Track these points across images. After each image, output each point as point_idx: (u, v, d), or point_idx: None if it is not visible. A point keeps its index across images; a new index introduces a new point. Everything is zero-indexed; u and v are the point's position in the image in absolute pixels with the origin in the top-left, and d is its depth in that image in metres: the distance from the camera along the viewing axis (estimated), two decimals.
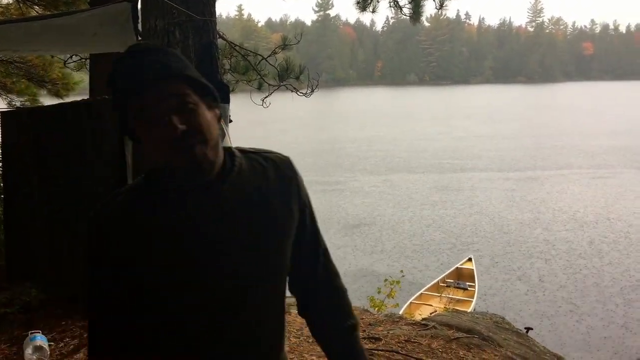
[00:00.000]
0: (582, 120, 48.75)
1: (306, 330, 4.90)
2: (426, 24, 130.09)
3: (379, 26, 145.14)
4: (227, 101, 2.55)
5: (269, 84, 6.26)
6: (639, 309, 11.91)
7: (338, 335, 1.46)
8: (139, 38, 3.01)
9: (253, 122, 42.82)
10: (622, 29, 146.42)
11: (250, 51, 6.11)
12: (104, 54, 4.40)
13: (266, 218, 1.27)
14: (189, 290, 1.20)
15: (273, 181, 1.31)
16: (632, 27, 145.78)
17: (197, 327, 1.22)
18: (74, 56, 7.15)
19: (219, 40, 5.49)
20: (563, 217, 19.05)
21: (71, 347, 4.50)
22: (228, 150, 1.31)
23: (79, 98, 5.28)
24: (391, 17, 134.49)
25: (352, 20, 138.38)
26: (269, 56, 6.13)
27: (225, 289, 1.22)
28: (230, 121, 2.58)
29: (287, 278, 1.41)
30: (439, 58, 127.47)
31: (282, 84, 6.14)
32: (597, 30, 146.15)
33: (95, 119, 2.81)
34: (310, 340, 4.63)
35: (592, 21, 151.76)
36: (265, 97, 6.10)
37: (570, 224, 18.17)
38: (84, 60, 7.16)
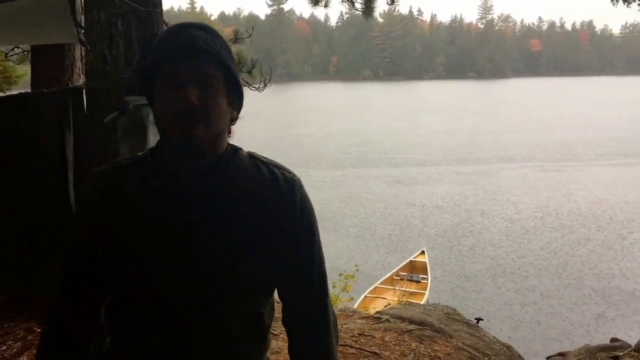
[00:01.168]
0: (529, 116, 50.19)
1: None
2: (379, 19, 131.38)
3: (333, 21, 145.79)
4: None
5: None
6: (586, 299, 12.37)
7: None
8: (81, 30, 2.91)
9: None
10: (568, 26, 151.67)
11: None
12: (46, 46, 4.23)
13: (246, 221, 1.25)
14: (157, 266, 1.21)
15: (270, 193, 1.29)
16: (578, 25, 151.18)
17: (159, 303, 1.23)
18: (16, 48, 6.86)
19: None
20: (514, 209, 19.59)
21: (14, 350, 4.33)
22: (235, 148, 1.32)
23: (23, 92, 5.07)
24: (345, 13, 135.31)
25: (306, 15, 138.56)
26: None
27: (192, 274, 1.22)
28: None
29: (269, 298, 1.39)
30: (392, 54, 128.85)
31: None
32: (545, 27, 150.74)
33: (32, 113, 2.70)
34: None
35: (540, 19, 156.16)
36: None
37: (521, 216, 18.69)
38: (26, 52, 6.87)
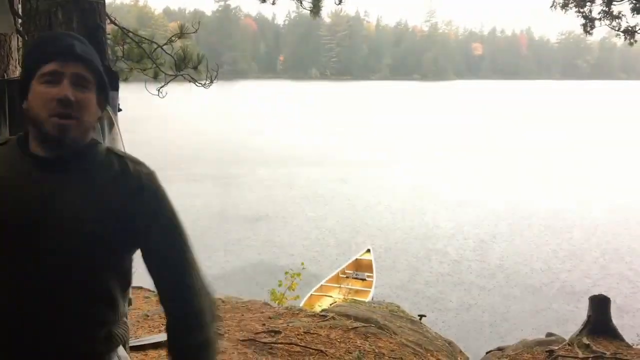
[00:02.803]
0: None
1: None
2: (327, 19, 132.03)
3: (280, 20, 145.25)
4: (116, 88, 2.42)
5: (166, 74, 6.03)
6: (524, 296, 12.83)
7: (185, 353, 1.47)
8: (18, 19, 2.78)
9: (150, 116, 41.36)
10: (509, 32, 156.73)
11: (145, 38, 5.85)
12: None
13: (98, 212, 1.34)
14: (9, 249, 1.30)
15: (119, 184, 1.39)
16: (517, 31, 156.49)
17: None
18: None
19: (112, 26, 5.20)
20: (453, 207, 20.08)
21: None
22: (96, 142, 1.43)
23: None
24: (292, 12, 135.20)
25: (253, 13, 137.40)
26: (164, 44, 5.89)
27: (36, 257, 1.30)
28: (120, 110, 2.45)
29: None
30: (339, 54, 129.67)
31: (179, 73, 5.93)
32: (486, 32, 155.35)
33: None
34: None
35: (482, 24, 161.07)
36: (162, 87, 5.88)
37: (460, 213, 19.18)
38: None
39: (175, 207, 1.48)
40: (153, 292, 6.41)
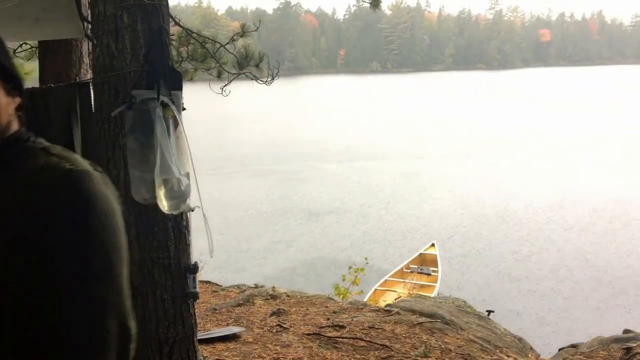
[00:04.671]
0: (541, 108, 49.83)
1: (270, 321, 4.87)
2: (387, 12, 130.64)
3: (340, 14, 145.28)
4: (180, 88, 2.48)
5: (229, 72, 6.14)
6: (595, 292, 12.29)
7: None
8: (87, 24, 2.90)
9: (213, 113, 42.35)
10: (578, 16, 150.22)
11: (208, 38, 5.98)
12: (54, 41, 4.23)
13: (10, 218, 1.13)
14: None
15: (37, 187, 1.15)
16: (587, 15, 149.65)
17: None
18: (24, 44, 6.87)
19: (176, 28, 5.34)
20: (523, 201, 19.47)
21: None
22: (24, 138, 1.24)
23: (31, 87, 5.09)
24: (352, 5, 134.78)
25: (313, 9, 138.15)
26: (227, 43, 6.00)
27: None
28: (184, 109, 2.51)
29: None
30: (400, 46, 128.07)
31: (241, 72, 6.02)
32: (554, 17, 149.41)
33: (40, 108, 2.70)
34: (274, 331, 4.60)
35: (549, 9, 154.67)
36: (225, 86, 5.99)
37: (530, 209, 18.58)
38: (34, 49, 6.86)
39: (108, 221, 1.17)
40: (220, 286, 6.57)
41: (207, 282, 6.72)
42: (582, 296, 11.95)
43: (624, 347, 5.42)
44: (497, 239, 15.63)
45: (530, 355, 5.47)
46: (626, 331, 6.53)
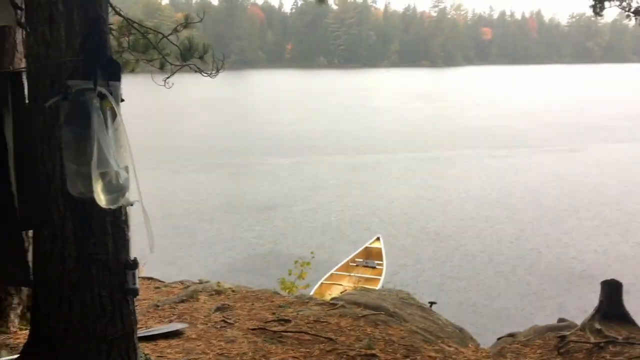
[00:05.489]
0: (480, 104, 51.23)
1: (214, 316, 4.82)
2: (334, 6, 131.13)
3: (287, 8, 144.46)
4: (118, 79, 2.40)
5: (172, 64, 6.00)
6: (534, 282, 12.77)
7: None
8: (20, 11, 2.77)
9: (155, 106, 41.47)
10: (518, 15, 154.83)
11: (151, 29, 5.83)
12: None
13: None
14: None
15: None
16: (527, 14, 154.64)
17: None
18: None
19: (117, 17, 5.17)
20: (464, 195, 20.00)
21: None
22: None
23: None
24: None
25: (259, 2, 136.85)
26: (170, 34, 5.86)
27: None
28: (122, 100, 2.44)
29: None
30: (347, 41, 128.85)
31: (185, 63, 5.91)
32: (495, 16, 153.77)
33: None
34: (218, 326, 4.56)
35: (491, 7, 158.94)
36: (168, 78, 5.87)
37: (470, 202, 19.10)
38: None
39: None
40: (163, 282, 6.45)
41: (150, 278, 6.58)
42: (521, 286, 12.40)
43: (558, 335, 5.65)
44: (441, 232, 16.00)
45: (470, 345, 5.62)
46: (560, 320, 6.82)
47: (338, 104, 52.05)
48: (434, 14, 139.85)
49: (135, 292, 2.67)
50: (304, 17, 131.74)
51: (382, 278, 11.48)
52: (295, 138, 32.79)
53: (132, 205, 2.47)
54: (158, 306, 5.09)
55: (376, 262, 12.31)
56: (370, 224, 16.65)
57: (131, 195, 2.41)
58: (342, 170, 24.17)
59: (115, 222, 2.59)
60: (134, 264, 2.64)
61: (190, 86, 51.86)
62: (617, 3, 6.21)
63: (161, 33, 5.79)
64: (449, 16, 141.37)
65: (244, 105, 52.23)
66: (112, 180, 2.30)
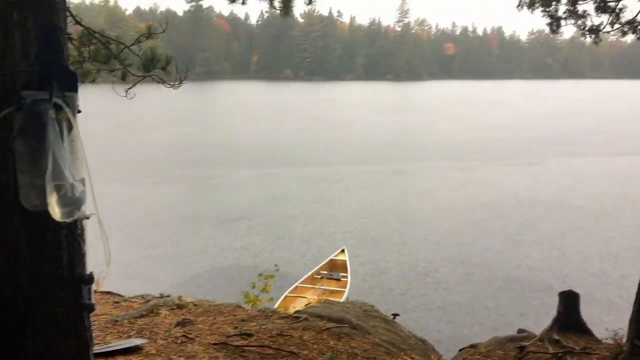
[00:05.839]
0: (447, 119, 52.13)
1: (175, 331, 4.74)
2: (300, 19, 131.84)
3: (253, 20, 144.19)
4: (75, 89, 2.35)
5: (134, 75, 5.93)
6: (496, 293, 12.97)
7: None
8: None
9: (117, 117, 40.87)
10: (480, 31, 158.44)
11: (111, 39, 5.74)
12: None
13: None
14: None
15: None
16: (488, 30, 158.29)
17: None
18: None
19: (78, 27, 5.08)
20: (427, 207, 20.24)
21: None
22: None
23: None
24: (265, 12, 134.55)
25: (226, 13, 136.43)
26: (132, 45, 5.78)
27: None
28: (79, 111, 2.39)
29: None
30: (313, 54, 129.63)
31: (147, 74, 5.83)
32: (458, 32, 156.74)
33: None
34: (179, 342, 4.48)
35: (453, 23, 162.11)
36: (129, 88, 5.80)
37: (433, 214, 19.34)
38: None
39: None
40: (122, 297, 6.31)
41: (109, 292, 6.43)
42: (483, 297, 12.58)
43: (518, 346, 5.75)
44: (405, 244, 16.13)
45: (432, 357, 5.67)
46: (520, 330, 6.94)
47: (304, 116, 52.25)
48: (399, 29, 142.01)
49: (90, 308, 2.60)
50: (270, 29, 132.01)
51: (346, 290, 11.49)
52: (260, 150, 32.72)
53: (88, 218, 2.41)
54: (117, 321, 4.97)
55: (341, 274, 12.32)
56: (335, 236, 16.68)
57: (87, 208, 2.36)
58: (307, 183, 24.20)
59: (70, 236, 2.52)
60: (90, 279, 2.57)
61: (153, 97, 51.30)
62: (573, 22, 6.41)
63: (123, 43, 5.71)
64: (413, 31, 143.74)
65: (208, 116, 51.88)
66: (68, 193, 2.24)
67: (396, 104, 69.38)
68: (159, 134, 38.50)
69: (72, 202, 2.27)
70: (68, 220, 2.30)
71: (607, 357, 5.65)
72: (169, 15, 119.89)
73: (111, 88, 5.88)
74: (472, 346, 6.35)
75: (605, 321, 10.78)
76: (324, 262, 12.89)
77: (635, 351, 5.63)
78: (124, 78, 6.07)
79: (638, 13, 6.46)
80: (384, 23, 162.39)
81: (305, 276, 12.06)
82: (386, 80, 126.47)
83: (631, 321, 6.06)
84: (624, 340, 6.23)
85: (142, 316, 5.18)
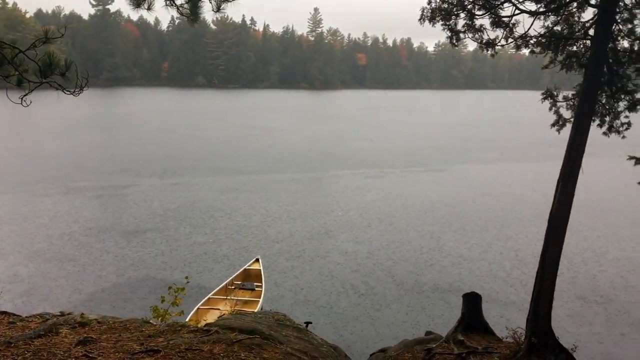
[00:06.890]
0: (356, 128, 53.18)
1: (75, 351, 4.50)
2: (212, 26, 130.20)
3: (164, 26, 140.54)
4: None
5: (30, 81, 5.61)
6: (404, 296, 13.33)
7: None
8: None
9: (12, 125, 38.51)
10: (390, 42, 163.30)
11: (5, 43, 5.42)
12: None
13: None
14: None
15: None
16: (398, 42, 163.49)
17: None
18: None
19: None
20: (340, 214, 20.53)
21: None
22: None
23: None
24: (176, 18, 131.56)
25: (134, 18, 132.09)
26: (27, 49, 5.48)
27: None
28: None
29: None
30: (226, 61, 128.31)
31: (44, 80, 5.53)
32: (369, 42, 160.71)
33: None
34: None
35: (365, 34, 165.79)
36: (25, 95, 5.48)
37: (346, 222, 19.64)
38: None
39: None
40: (19, 316, 5.92)
41: (4, 312, 6.01)
42: (393, 302, 12.89)
43: (425, 348, 5.93)
44: (318, 252, 16.25)
45: None
46: (428, 333, 7.18)
47: (216, 124, 51.55)
48: (312, 38, 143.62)
49: None
50: (181, 35, 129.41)
51: (261, 300, 11.39)
52: (169, 158, 31.90)
53: None
54: (10, 343, 4.65)
55: (255, 284, 12.20)
56: (248, 245, 16.52)
57: None
58: (219, 191, 23.84)
59: None
60: None
61: (54, 105, 48.84)
62: (471, 35, 6.75)
63: (17, 48, 5.40)
64: (326, 41, 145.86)
65: (114, 124, 49.99)
66: None
67: (312, 112, 70.09)
68: (59, 142, 36.62)
69: None
70: None
71: (507, 355, 5.95)
72: (74, 18, 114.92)
73: (5, 95, 5.56)
74: (382, 350, 6.49)
75: (506, 320, 11.39)
76: (238, 272, 12.71)
77: (532, 348, 5.98)
78: (19, 84, 5.72)
79: (529, 28, 6.91)
80: (299, 31, 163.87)
81: (219, 287, 11.84)
82: (301, 88, 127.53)
83: (528, 320, 6.42)
84: (523, 338, 6.61)
85: (39, 336, 4.88)
